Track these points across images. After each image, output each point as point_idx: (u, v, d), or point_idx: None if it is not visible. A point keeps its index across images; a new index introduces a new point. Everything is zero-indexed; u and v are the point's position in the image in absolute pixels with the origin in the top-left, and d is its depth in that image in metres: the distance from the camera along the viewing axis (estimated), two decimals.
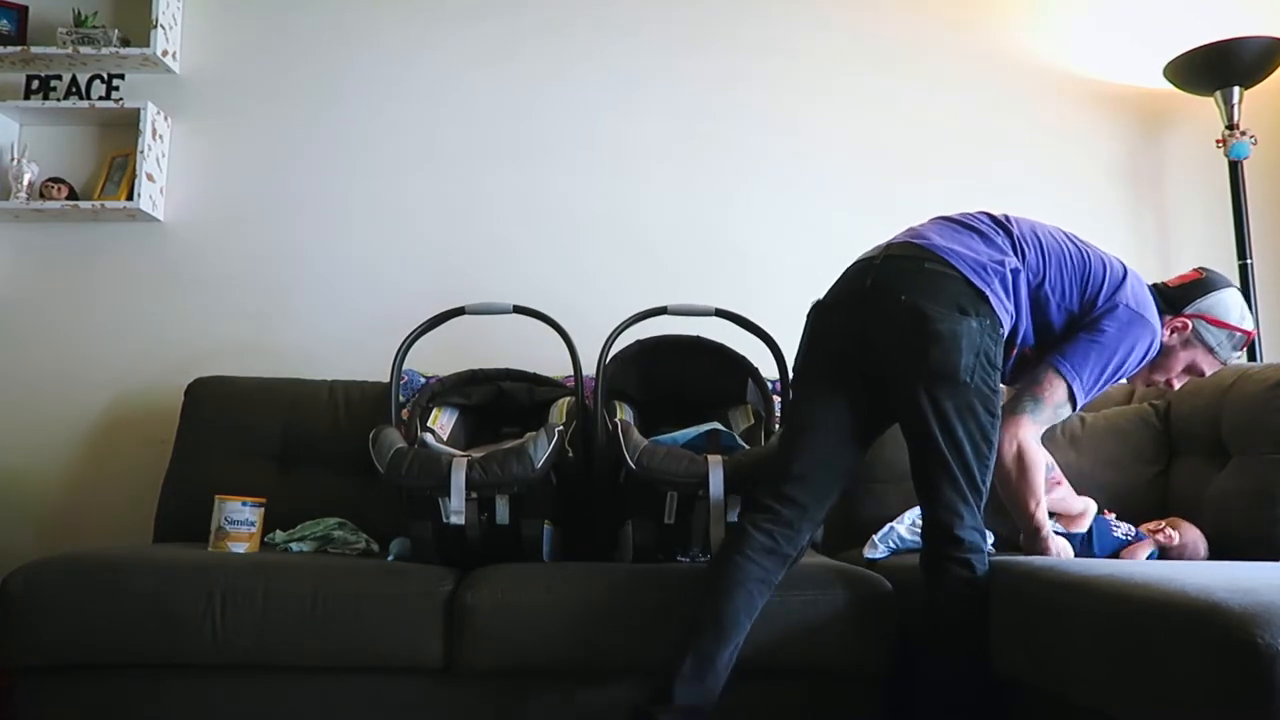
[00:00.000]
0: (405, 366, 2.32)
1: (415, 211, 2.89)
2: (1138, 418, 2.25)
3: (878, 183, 2.87)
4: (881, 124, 2.89)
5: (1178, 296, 1.84)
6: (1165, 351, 1.82)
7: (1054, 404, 1.70)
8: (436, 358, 2.49)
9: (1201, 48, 2.56)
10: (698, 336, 2.23)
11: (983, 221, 1.77)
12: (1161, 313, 1.80)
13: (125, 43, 2.85)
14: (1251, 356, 2.58)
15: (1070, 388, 1.68)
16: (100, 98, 2.85)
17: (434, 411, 2.20)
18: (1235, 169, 2.65)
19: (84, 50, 2.80)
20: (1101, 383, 1.71)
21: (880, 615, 1.74)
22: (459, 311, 2.19)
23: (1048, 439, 2.23)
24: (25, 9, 2.94)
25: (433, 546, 1.90)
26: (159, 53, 2.83)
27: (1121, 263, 1.80)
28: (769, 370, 2.22)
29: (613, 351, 2.15)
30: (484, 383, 2.28)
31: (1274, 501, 1.85)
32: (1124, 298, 1.72)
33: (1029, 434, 1.71)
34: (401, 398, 2.24)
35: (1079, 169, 2.87)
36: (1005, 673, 1.60)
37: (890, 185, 2.86)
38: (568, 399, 2.16)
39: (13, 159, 2.81)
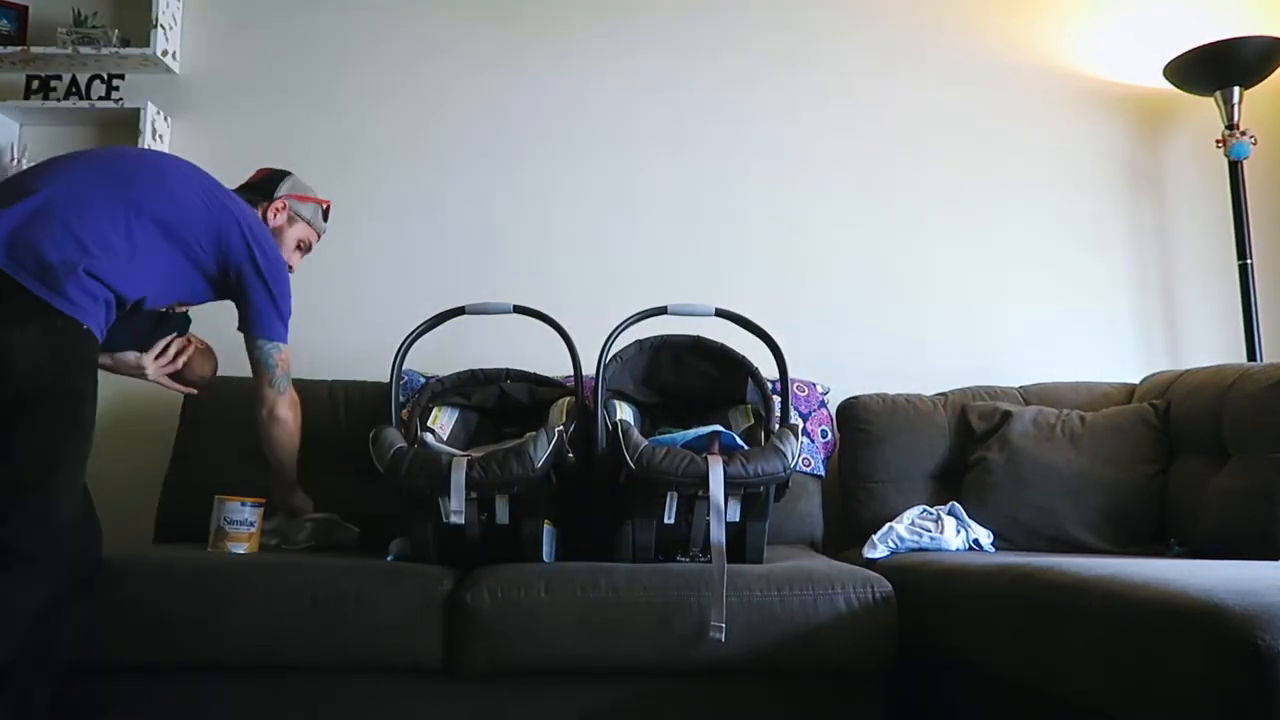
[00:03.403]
0: (405, 366, 2.32)
1: (415, 211, 2.89)
2: (1137, 417, 2.25)
3: (878, 182, 2.87)
4: (882, 123, 2.90)
5: (264, 189, 2.08)
6: (278, 233, 2.06)
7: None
8: (436, 358, 2.49)
9: (1201, 48, 2.57)
10: (698, 336, 2.23)
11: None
12: (257, 204, 2.04)
13: (125, 43, 2.85)
14: (1251, 356, 2.58)
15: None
16: (100, 98, 2.84)
17: (434, 411, 2.20)
18: (1235, 169, 2.65)
19: (84, 50, 2.80)
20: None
21: (880, 615, 1.74)
22: (459, 311, 2.19)
23: (1048, 438, 2.25)
24: (25, 9, 2.93)
25: (433, 546, 1.90)
26: (159, 53, 2.83)
27: None
28: (769, 370, 2.22)
29: (613, 351, 2.15)
30: (484, 383, 2.28)
31: (1274, 501, 1.85)
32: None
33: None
34: (401, 398, 2.24)
35: (1079, 169, 2.87)
36: (1005, 673, 1.60)
37: (890, 184, 2.87)
38: (568, 399, 2.16)
39: (13, 159, 2.81)
